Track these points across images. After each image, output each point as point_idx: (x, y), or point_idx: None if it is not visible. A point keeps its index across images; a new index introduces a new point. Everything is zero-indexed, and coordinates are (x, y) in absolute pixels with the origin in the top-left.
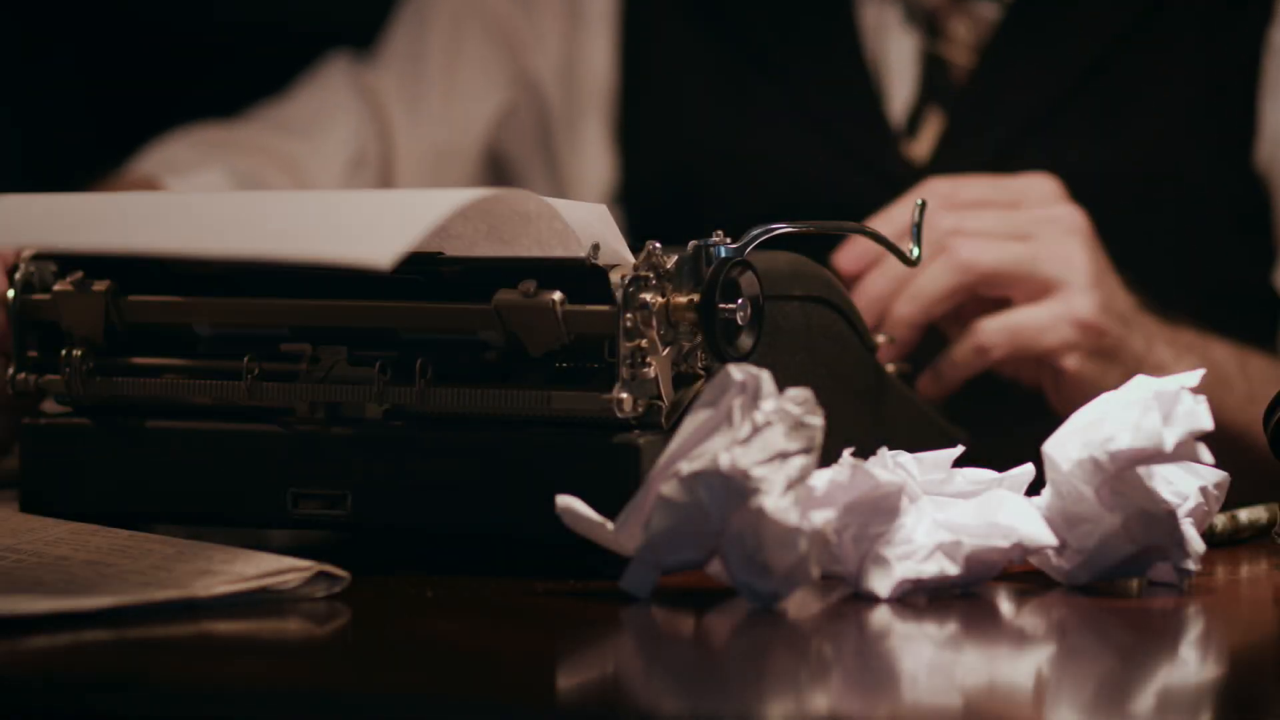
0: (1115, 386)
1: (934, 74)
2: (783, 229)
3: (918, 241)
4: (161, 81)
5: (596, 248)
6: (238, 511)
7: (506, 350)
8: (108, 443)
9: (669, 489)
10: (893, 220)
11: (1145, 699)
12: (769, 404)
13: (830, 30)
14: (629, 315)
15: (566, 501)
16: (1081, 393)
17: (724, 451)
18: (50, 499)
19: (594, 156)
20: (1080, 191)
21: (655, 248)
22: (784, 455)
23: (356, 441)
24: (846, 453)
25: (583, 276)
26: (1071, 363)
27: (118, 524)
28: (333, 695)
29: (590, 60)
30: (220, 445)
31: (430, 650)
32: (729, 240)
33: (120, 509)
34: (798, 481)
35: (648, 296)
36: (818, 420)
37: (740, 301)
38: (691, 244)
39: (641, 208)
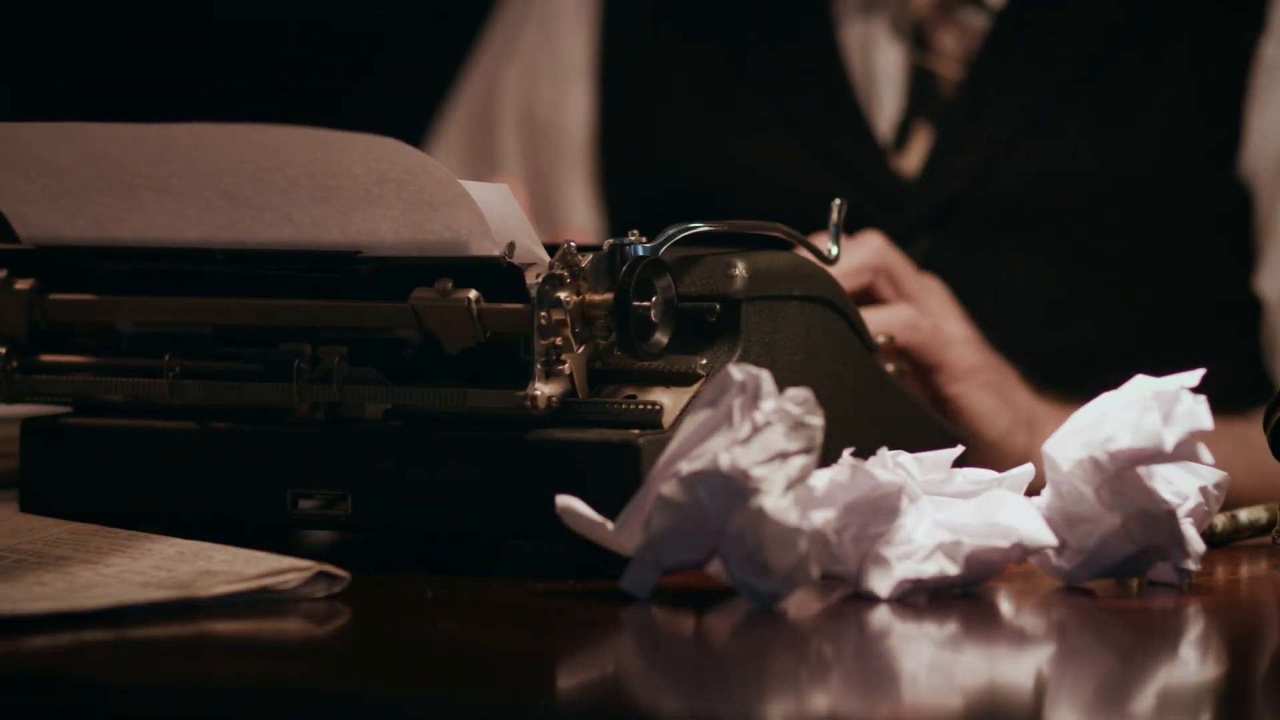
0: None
1: (922, 87)
2: (699, 228)
3: (836, 240)
4: (162, 82)
5: (512, 246)
6: (238, 511)
7: (424, 347)
8: (108, 443)
9: (669, 489)
10: None
11: (1145, 699)
12: (769, 404)
13: (816, 45)
14: (544, 313)
15: (566, 501)
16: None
17: (724, 451)
18: (50, 499)
19: (579, 209)
20: (1067, 199)
21: (570, 246)
22: (784, 455)
23: (357, 441)
24: (846, 453)
25: (499, 275)
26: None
27: (118, 524)
28: (333, 695)
29: (570, 113)
30: (220, 445)
31: (430, 650)
32: (645, 240)
33: (120, 509)
34: (798, 481)
35: (563, 295)
36: (818, 420)
37: (654, 299)
38: (607, 243)
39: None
